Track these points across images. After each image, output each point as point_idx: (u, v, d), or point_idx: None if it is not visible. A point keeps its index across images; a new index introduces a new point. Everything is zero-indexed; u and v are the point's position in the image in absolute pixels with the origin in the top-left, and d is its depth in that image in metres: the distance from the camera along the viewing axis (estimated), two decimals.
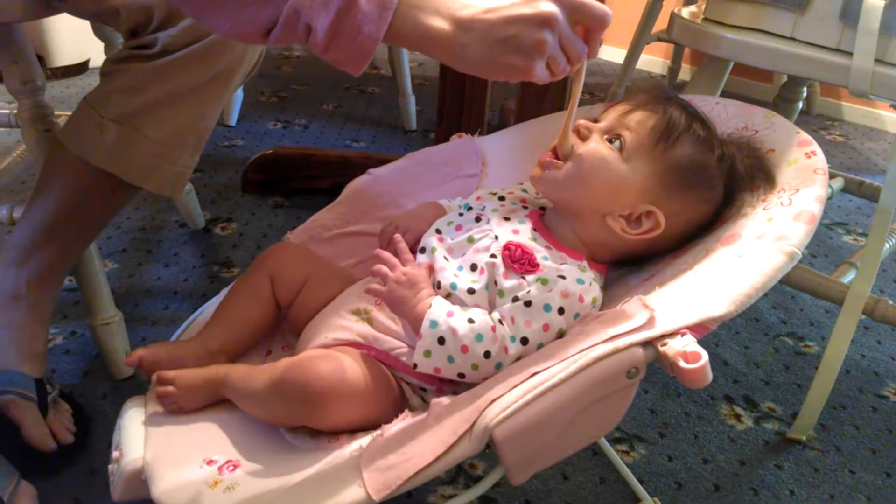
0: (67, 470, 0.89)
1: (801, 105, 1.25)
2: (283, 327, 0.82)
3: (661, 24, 2.25)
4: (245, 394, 0.69)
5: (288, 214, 1.53)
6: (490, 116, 1.64)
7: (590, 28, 0.62)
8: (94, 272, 1.00)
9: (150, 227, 1.44)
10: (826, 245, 1.60)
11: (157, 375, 0.71)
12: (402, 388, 0.71)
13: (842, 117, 2.49)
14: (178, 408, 0.70)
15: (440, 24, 0.59)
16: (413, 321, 0.67)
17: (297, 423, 0.66)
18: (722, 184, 0.73)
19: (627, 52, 2.24)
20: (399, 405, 0.70)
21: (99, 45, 1.22)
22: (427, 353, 0.65)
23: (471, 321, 0.65)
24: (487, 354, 0.65)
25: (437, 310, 0.66)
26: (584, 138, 0.73)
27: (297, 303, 0.79)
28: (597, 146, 0.72)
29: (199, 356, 0.74)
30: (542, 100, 1.45)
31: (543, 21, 0.59)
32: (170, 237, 1.41)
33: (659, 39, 2.25)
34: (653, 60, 2.78)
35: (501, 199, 0.79)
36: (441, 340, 0.65)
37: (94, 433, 0.94)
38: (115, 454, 0.67)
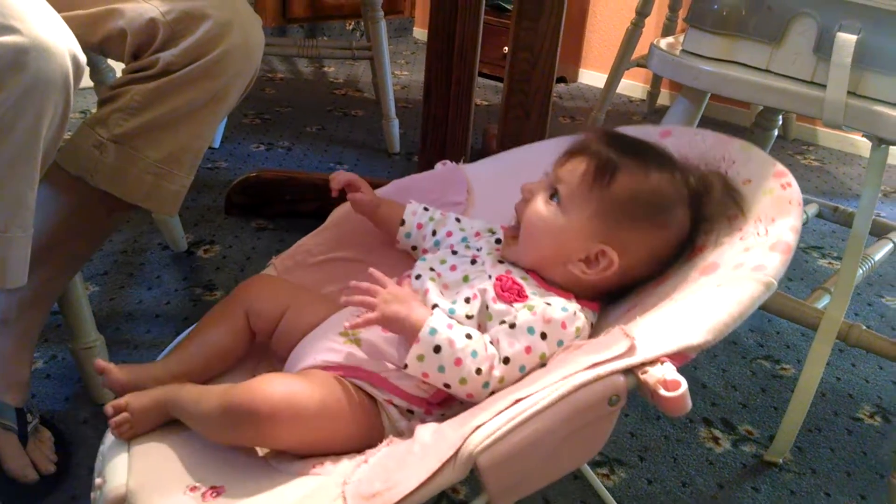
0: (49, 498, 0.88)
1: (777, 132, 1.29)
2: (269, 353, 0.83)
3: (640, 49, 2.30)
4: (195, 416, 0.68)
5: (271, 237, 1.53)
6: (473, 140, 1.66)
7: None
8: (77, 296, 1.00)
9: (133, 250, 1.44)
10: (802, 269, 1.63)
11: (108, 407, 0.69)
12: (382, 412, 0.72)
13: (817, 142, 2.54)
14: (132, 433, 0.69)
15: None
16: (409, 330, 0.67)
17: (250, 445, 0.67)
18: (683, 205, 0.74)
19: (608, 78, 2.28)
20: (374, 429, 0.70)
21: None
22: (420, 358, 0.66)
23: (468, 336, 0.67)
24: (479, 371, 0.66)
25: (438, 319, 0.67)
26: (527, 200, 0.76)
27: (280, 330, 0.79)
28: (536, 206, 0.75)
29: (161, 379, 0.73)
30: (524, 124, 1.48)
31: None
32: (152, 260, 1.41)
33: (639, 65, 2.30)
34: (633, 85, 2.83)
35: (498, 241, 0.80)
36: (437, 349, 0.66)
37: (76, 459, 0.93)
38: (97, 481, 0.67)
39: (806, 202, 1.34)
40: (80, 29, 0.86)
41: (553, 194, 0.75)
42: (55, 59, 0.67)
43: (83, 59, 0.71)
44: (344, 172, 0.86)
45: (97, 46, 0.90)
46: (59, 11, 0.83)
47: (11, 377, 0.88)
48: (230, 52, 0.86)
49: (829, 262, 1.67)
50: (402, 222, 0.86)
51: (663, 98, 2.75)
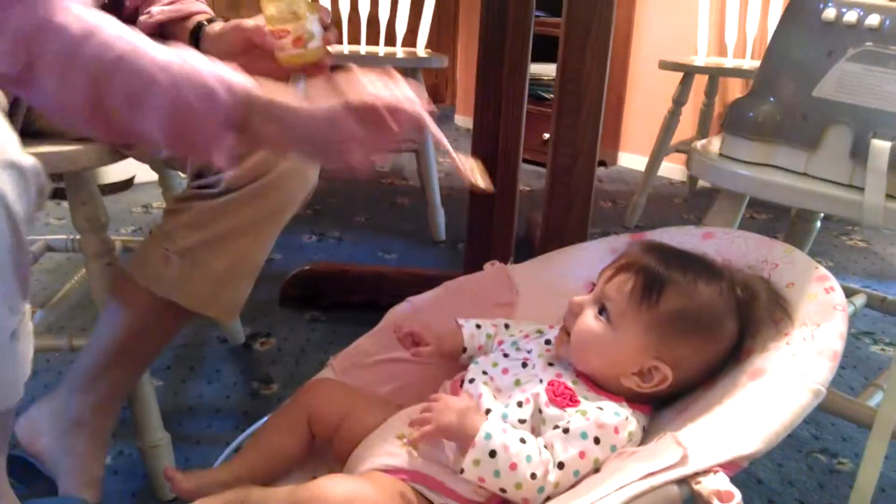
0: None
1: (818, 224, 1.30)
2: (328, 454, 0.86)
3: (679, 134, 2.35)
4: None
5: (325, 329, 1.58)
6: (517, 228, 1.71)
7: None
8: (146, 395, 1.05)
9: (193, 343, 1.50)
10: (854, 356, 1.61)
11: None
12: None
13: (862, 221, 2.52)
14: None
15: (273, 134, 0.71)
16: (465, 435, 0.69)
17: None
18: (731, 317, 0.76)
19: (647, 165, 2.33)
20: None
21: (143, 164, 1.31)
22: (476, 462, 0.68)
23: (523, 441, 0.69)
24: (533, 476, 0.67)
25: (493, 424, 0.70)
26: (576, 315, 0.79)
27: (340, 434, 0.82)
28: (586, 323, 0.77)
29: (226, 483, 0.76)
30: (568, 216, 1.52)
31: (342, 137, 0.70)
32: (212, 353, 1.47)
33: (678, 151, 2.34)
34: (673, 168, 2.87)
35: (548, 342, 0.83)
36: (493, 453, 0.67)
37: None
38: None
39: (853, 291, 1.34)
40: (146, 151, 0.94)
41: (601, 310, 0.78)
42: None
43: (27, 164, 0.62)
44: (406, 327, 0.89)
45: (164, 164, 0.98)
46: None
47: (88, 475, 0.93)
48: (288, 173, 0.93)
49: (882, 349, 1.65)
50: (465, 349, 0.88)
51: (704, 182, 2.77)
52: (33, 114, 0.90)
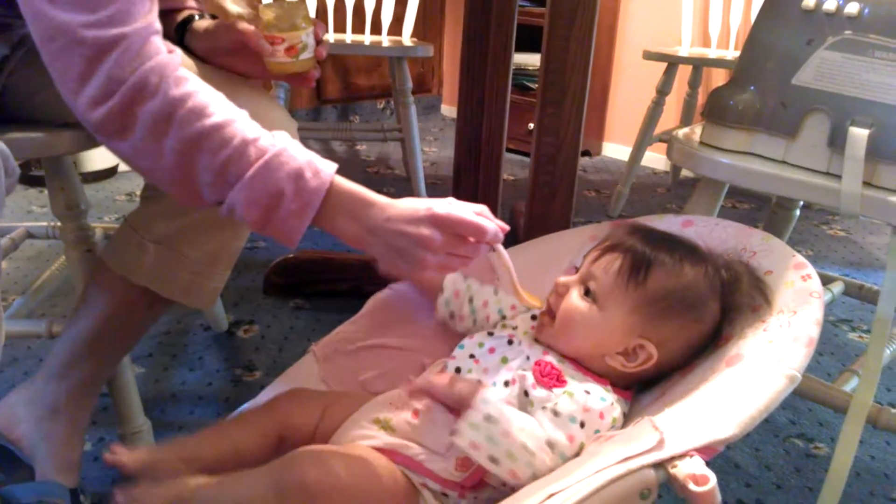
0: None
1: (798, 212, 1.32)
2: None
3: (662, 124, 2.36)
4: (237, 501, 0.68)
5: (308, 317, 1.58)
6: (501, 216, 1.71)
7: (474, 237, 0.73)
8: (126, 382, 1.05)
9: (176, 331, 1.49)
10: (832, 343, 1.63)
11: (116, 498, 0.69)
12: (419, 495, 0.74)
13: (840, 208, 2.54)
14: None
15: (353, 227, 0.73)
16: (464, 401, 0.69)
17: None
18: (715, 298, 0.77)
19: (631, 154, 2.34)
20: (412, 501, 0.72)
21: None
22: (473, 426, 0.67)
23: (517, 413, 0.69)
24: (525, 447, 0.67)
25: (492, 393, 0.70)
26: (561, 295, 0.79)
27: (320, 430, 0.80)
28: (572, 302, 0.78)
29: (170, 462, 0.73)
30: (551, 204, 1.53)
31: (421, 243, 0.70)
32: (194, 340, 1.46)
33: (661, 140, 2.35)
34: (656, 157, 2.88)
35: (534, 318, 0.84)
36: (489, 418, 0.67)
37: None
38: None
39: (831, 279, 1.35)
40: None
41: (587, 290, 0.78)
42: None
43: None
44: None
45: None
46: None
47: (65, 460, 0.92)
48: None
49: (860, 336, 1.67)
50: (442, 290, 0.88)
51: (686, 171, 2.79)
52: (11, 99, 0.89)
